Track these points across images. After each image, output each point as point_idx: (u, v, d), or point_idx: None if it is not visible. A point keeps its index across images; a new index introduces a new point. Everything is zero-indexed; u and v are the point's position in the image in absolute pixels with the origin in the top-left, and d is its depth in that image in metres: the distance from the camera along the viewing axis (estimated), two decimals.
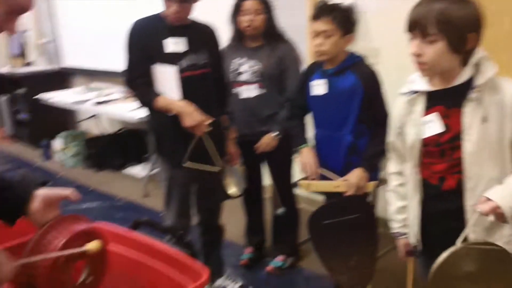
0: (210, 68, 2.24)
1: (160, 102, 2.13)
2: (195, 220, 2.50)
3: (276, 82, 2.52)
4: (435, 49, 1.38)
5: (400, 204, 1.68)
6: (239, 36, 2.53)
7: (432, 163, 1.51)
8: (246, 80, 2.53)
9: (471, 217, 1.41)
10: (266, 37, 2.50)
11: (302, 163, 2.21)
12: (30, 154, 5.31)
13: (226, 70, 2.49)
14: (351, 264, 2.00)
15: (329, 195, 2.21)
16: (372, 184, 2.09)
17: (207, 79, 2.23)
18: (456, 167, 1.46)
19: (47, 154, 5.12)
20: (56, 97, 4.78)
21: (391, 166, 1.72)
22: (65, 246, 1.21)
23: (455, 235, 1.39)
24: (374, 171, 2.10)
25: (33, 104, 5.23)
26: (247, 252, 2.89)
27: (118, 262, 1.57)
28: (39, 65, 5.88)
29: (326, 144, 2.18)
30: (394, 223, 1.71)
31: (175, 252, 1.51)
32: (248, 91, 2.53)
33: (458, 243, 1.30)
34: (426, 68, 1.42)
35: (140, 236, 1.62)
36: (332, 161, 2.15)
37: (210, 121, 2.16)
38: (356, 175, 2.04)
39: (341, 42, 2.02)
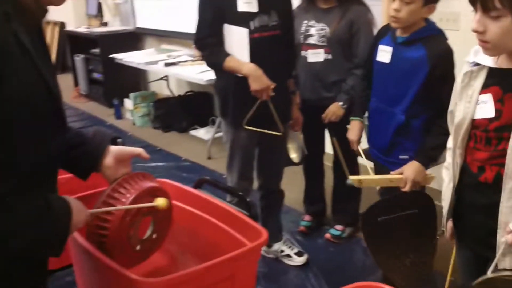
0: (280, 30, 2.21)
1: (229, 63, 2.14)
2: (256, 184, 2.52)
3: (344, 47, 2.44)
4: (499, 26, 1.18)
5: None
6: None
7: (476, 149, 1.35)
8: (314, 43, 2.47)
9: (500, 246, 1.27)
10: None
11: (348, 136, 2.18)
12: (102, 112, 5.55)
13: (296, 31, 2.43)
14: (406, 263, 1.89)
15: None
16: (430, 178, 1.93)
17: (276, 41, 2.20)
18: (498, 159, 1.30)
19: (119, 113, 5.33)
20: (129, 58, 4.93)
21: (449, 141, 1.57)
22: (134, 202, 1.25)
23: (485, 232, 1.34)
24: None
25: (106, 64, 5.44)
26: (306, 220, 2.89)
27: (181, 216, 1.63)
28: (114, 25, 6.07)
29: (377, 117, 2.07)
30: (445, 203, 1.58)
31: (235, 212, 1.53)
32: (315, 56, 2.48)
33: (489, 272, 1.21)
34: (489, 47, 1.24)
35: (202, 194, 1.66)
36: (379, 136, 2.05)
37: (274, 86, 2.14)
38: (412, 169, 1.87)
39: (421, 11, 1.82)
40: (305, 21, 2.48)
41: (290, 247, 2.61)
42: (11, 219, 0.87)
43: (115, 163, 1.27)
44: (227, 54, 2.16)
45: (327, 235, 2.76)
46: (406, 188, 1.87)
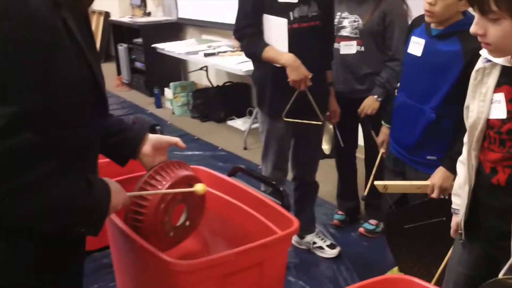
0: (320, 21, 2.20)
1: (268, 53, 2.15)
2: (290, 175, 2.53)
3: (377, 39, 2.41)
4: (499, 29, 1.11)
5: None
6: None
7: (490, 149, 1.28)
8: (346, 35, 2.45)
9: None
10: None
11: (377, 140, 2.19)
12: (143, 101, 5.68)
13: None
14: (424, 261, 1.85)
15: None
16: None
17: (315, 32, 2.20)
18: (510, 160, 1.23)
19: (159, 102, 5.44)
20: (170, 47, 5.00)
21: (466, 135, 1.51)
22: (170, 189, 1.29)
23: (497, 234, 1.29)
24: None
25: (148, 53, 5.55)
26: (339, 213, 2.88)
27: (214, 203, 1.66)
28: (157, 15, 6.17)
29: (404, 113, 1.95)
30: (456, 198, 1.51)
31: (268, 200, 1.55)
32: (347, 48, 2.45)
33: (501, 274, 1.17)
34: (492, 49, 1.17)
35: (236, 182, 1.69)
36: (405, 134, 1.95)
37: (311, 76, 2.14)
38: (439, 176, 1.79)
39: (458, 4, 1.72)
40: (339, 13, 2.45)
41: (322, 239, 2.61)
42: (55, 198, 0.91)
43: (152, 151, 1.31)
44: (266, 44, 2.16)
45: (361, 229, 2.75)
46: (434, 195, 1.80)
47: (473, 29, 1.17)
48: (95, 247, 2.44)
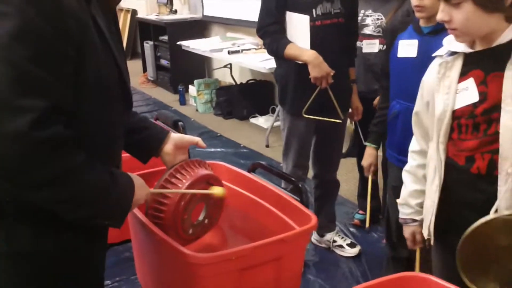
0: (343, 18, 2.19)
1: (290, 50, 2.15)
2: (311, 173, 2.53)
3: (390, 45, 2.36)
4: (461, 13, 1.17)
5: (416, 187, 1.48)
6: None
7: (462, 139, 1.29)
8: (369, 34, 2.43)
9: (505, 183, 1.20)
10: None
11: (362, 163, 2.11)
12: (168, 98, 5.74)
13: None
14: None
15: None
16: None
17: (338, 29, 2.19)
18: (490, 144, 1.23)
19: (183, 99, 5.49)
20: (195, 45, 5.05)
21: (413, 143, 1.51)
22: (189, 187, 1.32)
23: None
24: None
25: (174, 51, 5.61)
26: (360, 213, 2.86)
27: (234, 198, 1.67)
28: (183, 13, 6.23)
29: (406, 119, 1.79)
30: (406, 208, 1.51)
31: (287, 196, 1.55)
32: (370, 46, 2.43)
33: (491, 213, 1.16)
34: (459, 34, 1.22)
35: (256, 178, 1.70)
36: (409, 140, 1.81)
37: (334, 73, 2.13)
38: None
39: None
40: (362, 11, 2.43)
41: (342, 237, 2.61)
42: (82, 189, 0.94)
43: (174, 150, 1.34)
44: (288, 42, 2.17)
45: (356, 221, 2.77)
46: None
47: (439, 16, 1.23)
48: (117, 240, 2.48)
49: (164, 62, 6.01)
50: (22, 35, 0.85)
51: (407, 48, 1.81)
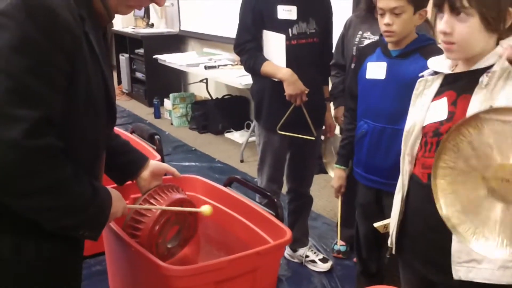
0: (318, 38, 2.25)
1: (266, 67, 2.20)
2: (285, 187, 2.56)
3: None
4: (467, 26, 1.19)
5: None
6: (370, 7, 2.34)
7: (425, 157, 1.33)
8: None
9: (454, 254, 1.25)
10: None
11: (332, 185, 2.12)
12: (142, 111, 5.72)
13: (350, 41, 2.38)
14: None
15: None
16: None
17: (313, 48, 2.25)
18: None
19: (158, 112, 5.48)
20: (171, 59, 5.06)
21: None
22: (164, 211, 1.36)
23: (436, 251, 1.29)
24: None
25: (149, 64, 5.61)
26: (341, 244, 2.72)
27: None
28: (159, 27, 6.25)
29: (376, 139, 1.86)
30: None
31: (262, 211, 1.58)
32: None
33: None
34: (455, 48, 1.23)
35: (232, 192, 1.72)
36: (380, 159, 1.87)
37: (308, 91, 2.18)
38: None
39: (413, 19, 1.75)
40: (360, 32, 2.34)
41: (315, 253, 2.64)
42: (69, 200, 0.97)
43: (150, 176, 1.39)
44: (265, 59, 2.22)
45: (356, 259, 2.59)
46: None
47: (442, 26, 1.22)
48: (89, 253, 2.45)
49: (139, 75, 6.00)
50: (20, 47, 0.87)
51: (376, 70, 1.85)
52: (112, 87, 1.12)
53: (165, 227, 1.38)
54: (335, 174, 2.12)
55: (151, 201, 1.36)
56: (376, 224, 1.79)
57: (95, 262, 2.53)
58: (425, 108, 1.34)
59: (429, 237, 1.33)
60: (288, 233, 1.40)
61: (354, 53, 2.35)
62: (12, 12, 0.87)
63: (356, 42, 2.36)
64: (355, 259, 2.63)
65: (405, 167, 1.39)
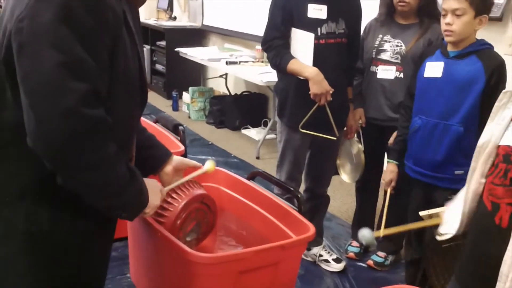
0: (346, 38, 2.27)
1: (293, 65, 2.21)
2: (303, 186, 2.58)
3: (418, 66, 2.29)
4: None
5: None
6: (390, 10, 2.35)
7: (493, 183, 1.21)
8: (386, 60, 2.36)
9: None
10: (420, 14, 2.30)
11: (383, 178, 2.15)
12: (161, 103, 5.76)
13: (369, 44, 2.40)
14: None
15: None
16: None
17: (341, 48, 2.26)
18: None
19: (175, 105, 5.52)
20: (193, 53, 5.09)
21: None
22: (185, 206, 1.40)
23: (481, 281, 1.22)
24: None
25: (170, 56, 5.65)
26: (354, 245, 2.73)
27: (231, 205, 1.71)
28: (182, 21, 6.28)
29: (427, 133, 2.01)
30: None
31: (286, 206, 1.60)
32: (385, 72, 2.36)
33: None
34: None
35: (255, 185, 1.74)
36: (429, 152, 2.01)
37: (333, 91, 2.19)
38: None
39: (473, 23, 1.88)
40: (380, 35, 2.37)
41: (328, 252, 2.65)
42: (115, 178, 0.99)
43: (173, 171, 1.40)
44: (292, 57, 2.23)
45: (370, 262, 2.64)
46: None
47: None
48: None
49: (159, 67, 6.04)
50: (67, 21, 0.89)
51: (434, 69, 1.99)
52: (145, 68, 1.13)
53: (185, 222, 1.42)
54: (388, 168, 2.22)
55: (173, 195, 1.40)
56: (421, 213, 1.84)
57: (111, 248, 2.57)
58: (505, 123, 1.22)
59: (477, 268, 1.26)
60: (312, 229, 1.41)
61: (373, 56, 2.39)
62: None
63: (376, 45, 2.39)
64: (368, 262, 2.66)
65: (472, 185, 1.28)
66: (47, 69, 0.88)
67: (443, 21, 1.90)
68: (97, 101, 0.93)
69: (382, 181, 2.54)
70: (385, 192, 2.25)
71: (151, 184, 1.16)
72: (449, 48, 1.97)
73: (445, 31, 1.90)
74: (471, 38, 1.93)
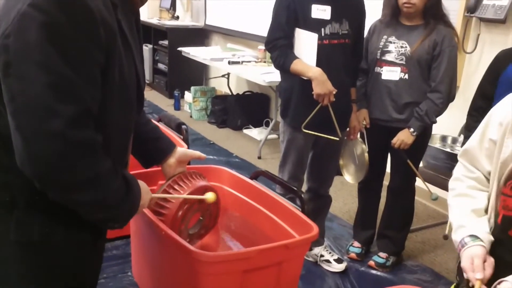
0: (350, 39, 2.27)
1: (296, 65, 2.21)
2: (305, 186, 2.58)
3: (423, 68, 2.31)
4: None
5: (475, 206, 1.24)
6: (395, 12, 2.34)
7: (509, 196, 1.14)
8: (391, 61, 2.36)
9: None
10: (426, 16, 2.30)
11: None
12: (162, 102, 5.76)
13: (374, 45, 2.41)
14: None
15: None
16: None
17: (344, 49, 2.27)
18: None
19: (177, 104, 5.52)
20: (195, 52, 5.09)
21: (457, 168, 1.32)
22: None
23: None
24: None
25: (172, 56, 5.65)
26: (356, 246, 2.73)
27: (234, 204, 1.71)
28: (185, 20, 6.29)
29: None
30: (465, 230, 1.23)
31: (289, 205, 1.60)
32: (390, 73, 2.35)
33: None
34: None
35: (258, 185, 1.74)
36: None
37: (336, 91, 2.20)
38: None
39: None
40: (385, 36, 2.37)
41: (330, 253, 2.65)
42: (106, 195, 0.97)
43: (176, 163, 1.41)
44: (295, 57, 2.23)
45: (371, 262, 2.64)
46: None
47: None
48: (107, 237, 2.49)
49: (161, 66, 6.05)
50: (55, 40, 0.86)
51: None
52: (142, 76, 1.12)
53: (187, 214, 1.40)
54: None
55: (175, 187, 1.39)
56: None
57: (112, 247, 2.57)
58: None
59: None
60: (315, 229, 1.42)
61: (378, 57, 2.39)
62: (46, 6, 0.85)
63: (380, 47, 2.39)
64: (369, 263, 2.67)
65: (492, 199, 1.20)
66: (34, 91, 0.85)
67: None
68: (86, 121, 0.91)
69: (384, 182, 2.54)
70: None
71: (143, 186, 1.15)
72: None
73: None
74: None
